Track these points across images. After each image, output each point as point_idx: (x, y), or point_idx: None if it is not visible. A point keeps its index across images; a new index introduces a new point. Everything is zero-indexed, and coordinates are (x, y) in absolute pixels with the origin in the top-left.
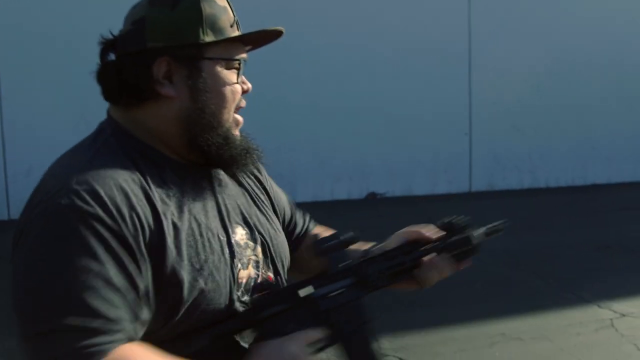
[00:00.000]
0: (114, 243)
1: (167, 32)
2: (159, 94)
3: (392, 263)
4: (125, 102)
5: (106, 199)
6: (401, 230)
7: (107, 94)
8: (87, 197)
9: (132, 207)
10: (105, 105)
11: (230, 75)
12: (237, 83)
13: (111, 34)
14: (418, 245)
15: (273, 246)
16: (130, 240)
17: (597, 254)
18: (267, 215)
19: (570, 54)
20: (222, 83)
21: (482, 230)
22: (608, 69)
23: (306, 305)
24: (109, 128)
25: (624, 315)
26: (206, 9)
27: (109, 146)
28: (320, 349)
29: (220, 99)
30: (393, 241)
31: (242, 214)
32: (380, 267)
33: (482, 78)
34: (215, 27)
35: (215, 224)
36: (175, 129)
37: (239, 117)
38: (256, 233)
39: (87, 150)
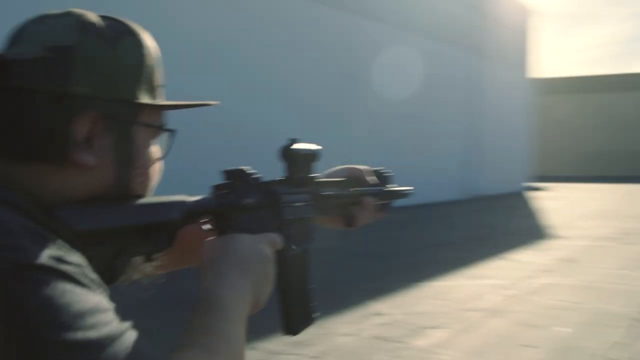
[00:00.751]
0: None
1: (102, 77)
2: (71, 159)
3: (342, 192)
4: (5, 149)
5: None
6: (343, 167)
7: None
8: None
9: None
10: None
11: (156, 149)
12: (161, 158)
13: None
14: (358, 183)
15: None
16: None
17: None
18: None
19: None
20: (150, 159)
21: (399, 189)
22: None
23: (271, 207)
24: None
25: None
26: (147, 57)
27: None
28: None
29: (146, 180)
30: (335, 174)
31: None
32: (333, 192)
33: None
34: (150, 84)
35: None
36: None
37: None
38: None
39: None
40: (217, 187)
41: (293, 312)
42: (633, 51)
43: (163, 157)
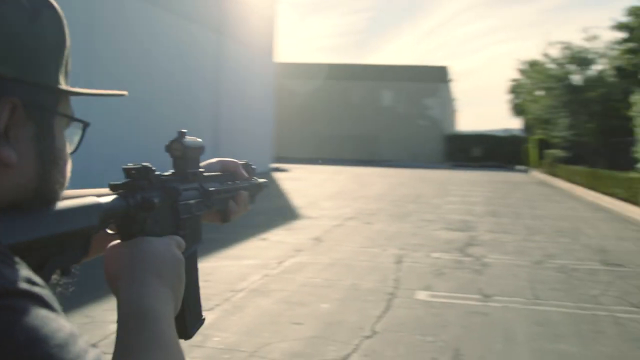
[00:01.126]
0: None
1: (23, 56)
2: None
3: (225, 187)
4: None
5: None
6: (216, 160)
7: None
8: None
9: None
10: None
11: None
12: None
13: None
14: (234, 177)
15: None
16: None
17: None
18: None
19: None
20: (67, 155)
21: (263, 182)
22: None
23: (170, 205)
24: None
25: None
26: (67, 36)
27: None
28: None
29: (64, 179)
30: (210, 168)
31: None
32: (217, 187)
33: None
34: (67, 68)
35: None
36: None
37: None
38: None
39: None
40: (118, 186)
41: (187, 316)
42: (368, 42)
43: (74, 152)
